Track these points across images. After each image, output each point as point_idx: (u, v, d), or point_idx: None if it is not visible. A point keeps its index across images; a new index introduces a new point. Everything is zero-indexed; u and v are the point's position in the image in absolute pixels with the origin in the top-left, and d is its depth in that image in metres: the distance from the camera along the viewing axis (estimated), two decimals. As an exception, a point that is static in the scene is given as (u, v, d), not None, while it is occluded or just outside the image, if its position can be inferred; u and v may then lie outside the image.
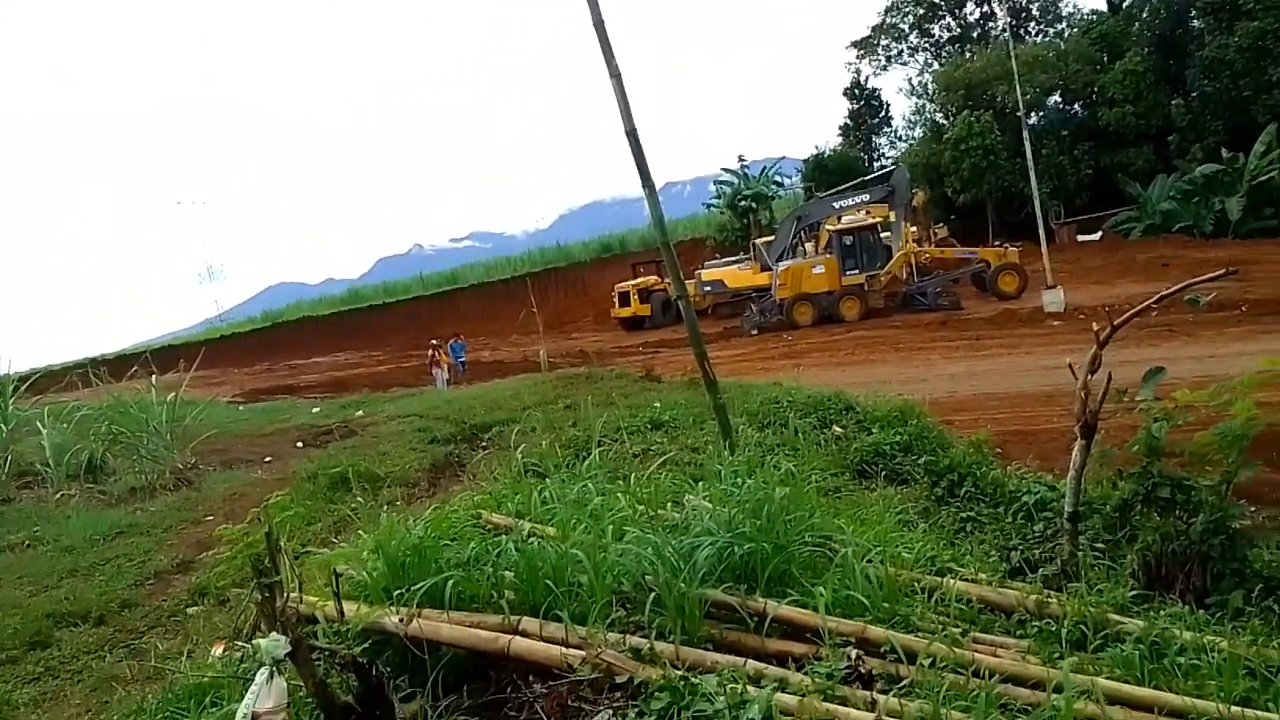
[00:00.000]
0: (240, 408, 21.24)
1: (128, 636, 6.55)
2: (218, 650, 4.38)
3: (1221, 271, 6.11)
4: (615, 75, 6.57)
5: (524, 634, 3.47)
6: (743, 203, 46.55)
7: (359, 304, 62.07)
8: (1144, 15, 42.89)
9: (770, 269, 33.43)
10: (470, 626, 3.52)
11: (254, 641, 3.19)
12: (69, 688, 5.84)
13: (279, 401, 23.28)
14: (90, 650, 6.34)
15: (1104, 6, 45.98)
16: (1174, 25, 40.40)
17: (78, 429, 12.78)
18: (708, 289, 37.27)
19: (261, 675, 3.01)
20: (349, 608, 3.57)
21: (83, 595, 7.29)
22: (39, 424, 12.43)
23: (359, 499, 6.94)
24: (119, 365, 20.15)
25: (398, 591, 3.68)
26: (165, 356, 32.54)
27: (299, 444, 13.66)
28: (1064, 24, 49.15)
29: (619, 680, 3.13)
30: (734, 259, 40.22)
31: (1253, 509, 7.15)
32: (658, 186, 7.01)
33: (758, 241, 38.51)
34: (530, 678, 3.36)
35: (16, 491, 11.55)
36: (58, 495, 11.09)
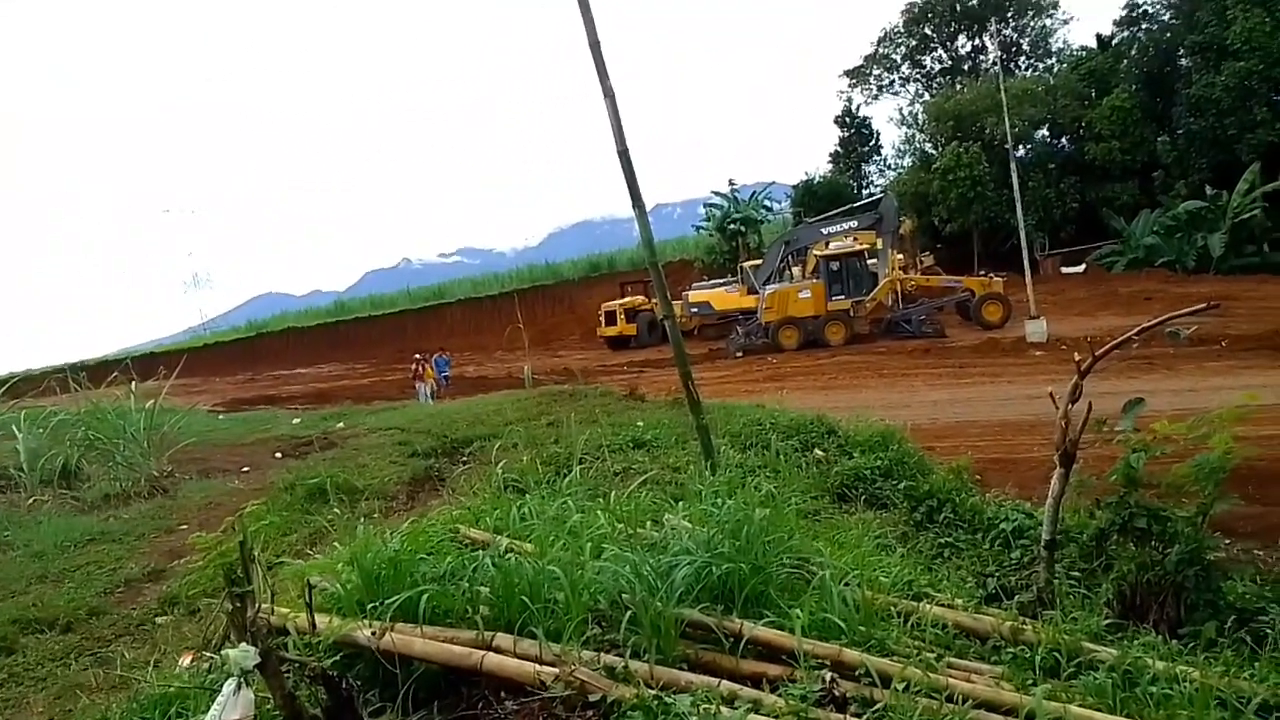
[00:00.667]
0: (220, 417, 21.05)
1: (95, 644, 6.43)
2: (186, 660, 4.33)
3: (1202, 306, 6.17)
4: (609, 95, 6.60)
5: (498, 650, 3.44)
6: (732, 226, 46.79)
7: (345, 316, 61.79)
8: (1133, 53, 43.65)
9: (757, 292, 33.58)
10: (444, 642, 3.49)
11: (223, 652, 3.15)
12: (32, 695, 5.74)
13: (260, 411, 23.12)
14: (56, 657, 6.23)
15: (1093, 43, 46.76)
16: (1162, 63, 41.09)
17: (53, 434, 12.63)
18: (694, 310, 37.37)
19: (229, 686, 2.97)
20: (321, 620, 3.53)
21: (50, 602, 7.17)
22: (14, 428, 12.28)
23: (336, 511, 6.88)
24: (100, 371, 19.94)
25: (371, 605, 3.64)
26: (147, 363, 32.26)
27: (278, 454, 13.55)
28: (1053, 59, 49.92)
29: (592, 699, 3.11)
30: (721, 281, 40.42)
31: (1227, 541, 7.22)
32: (648, 207, 7.03)
33: (745, 264, 38.75)
34: (502, 694, 3.33)
35: (-11, 496, 11.40)
36: (30, 500, 10.93)
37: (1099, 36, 46.43)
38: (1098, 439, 5.82)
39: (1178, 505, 5.50)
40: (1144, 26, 44.47)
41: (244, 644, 2.95)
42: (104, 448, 11.96)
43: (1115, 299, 31.46)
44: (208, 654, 3.86)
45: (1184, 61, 40.22)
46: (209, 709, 2.96)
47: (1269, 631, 4.70)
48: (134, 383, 13.63)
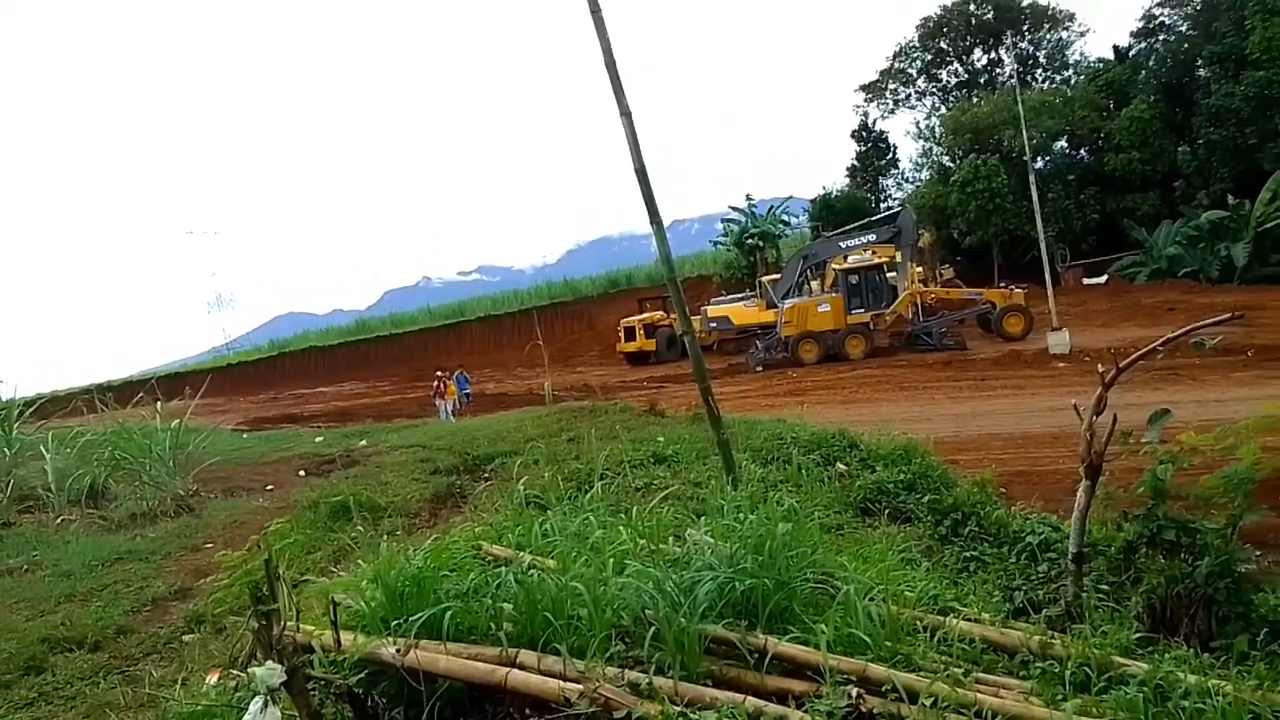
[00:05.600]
0: (244, 436, 21.21)
1: (123, 663, 6.49)
2: (213, 678, 4.35)
3: (1227, 316, 6.13)
4: (625, 114, 6.64)
5: (522, 667, 3.44)
6: (750, 241, 46.85)
7: (366, 335, 62.33)
8: (1150, 63, 43.44)
9: (776, 306, 33.52)
10: (468, 658, 3.50)
11: (249, 670, 3.17)
12: (62, 714, 5.78)
13: (283, 430, 23.28)
14: (85, 676, 6.28)
15: (1110, 55, 46.56)
16: (1180, 74, 40.84)
17: (81, 454, 12.78)
18: (713, 325, 37.34)
19: (256, 704, 2.99)
20: (346, 637, 3.55)
21: (79, 621, 7.24)
22: (42, 448, 12.43)
23: (359, 528, 6.92)
24: (125, 391, 20.18)
25: (395, 622, 3.66)
26: (172, 384, 32.65)
27: (301, 473, 13.64)
28: (1071, 71, 49.73)
29: (616, 715, 3.10)
30: (740, 296, 40.37)
31: (1258, 553, 7.08)
32: (666, 224, 7.05)
33: (764, 279, 38.69)
34: (527, 711, 3.34)
35: (17, 516, 11.51)
36: (58, 520, 11.06)
37: (1116, 48, 46.27)
38: (1124, 451, 5.75)
39: (1206, 517, 5.42)
40: (1161, 38, 44.24)
41: (270, 662, 2.97)
42: (130, 467, 12.08)
43: (1138, 310, 31.17)
44: (234, 672, 3.89)
45: (1202, 72, 39.94)
46: (236, 726, 2.98)
47: (1302, 644, 4.62)
48: (159, 403, 13.78)
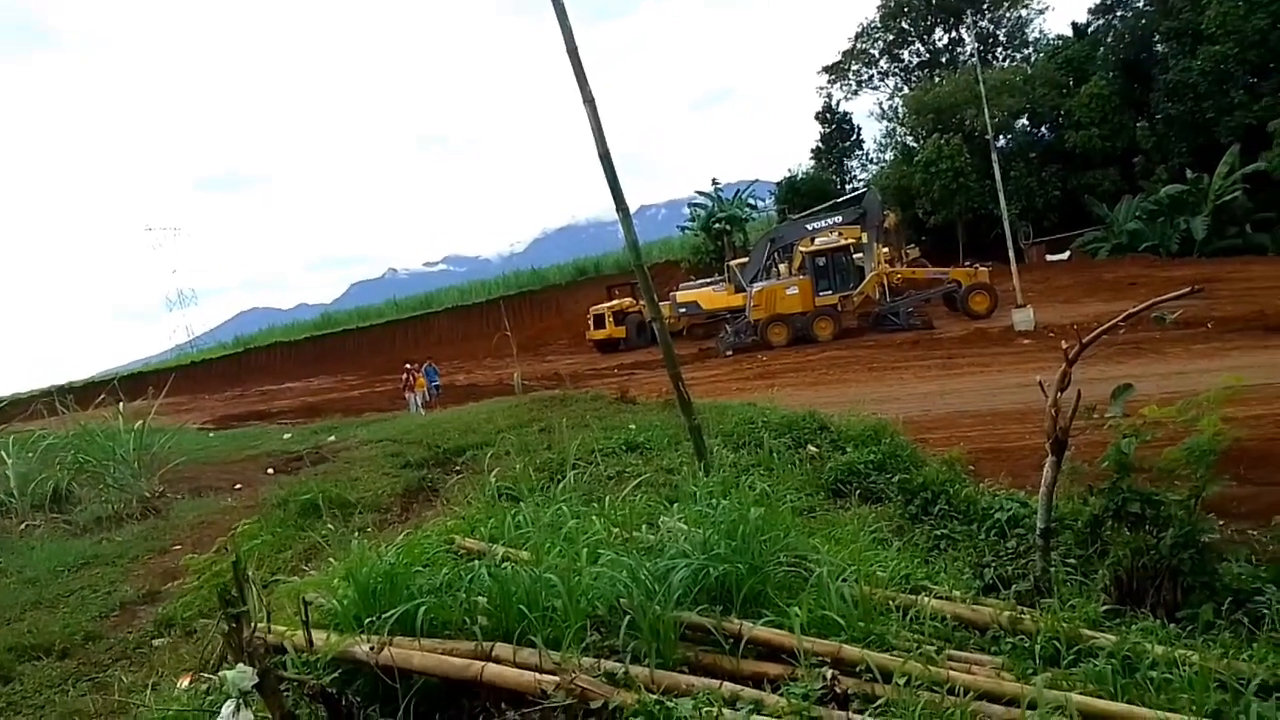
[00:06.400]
0: (210, 434, 20.95)
1: (92, 670, 6.39)
2: (184, 682, 4.29)
3: (1187, 290, 6.20)
4: (589, 101, 6.60)
5: (497, 660, 3.43)
6: (717, 225, 46.91)
7: (332, 329, 61.74)
8: (1108, 40, 43.95)
9: (744, 290, 33.62)
10: (442, 654, 3.48)
11: (221, 673, 3.13)
12: (31, 723, 5.70)
13: (250, 428, 23.03)
14: (53, 684, 6.18)
15: (1069, 32, 47.07)
16: (1138, 50, 41.36)
17: (43, 458, 12.54)
18: (683, 310, 37.36)
19: (228, 708, 2.96)
20: (318, 637, 3.51)
21: (46, 628, 7.11)
22: (3, 453, 12.19)
23: (330, 526, 6.84)
24: (87, 393, 19.82)
25: (368, 619, 3.62)
26: (134, 384, 32.11)
27: (270, 470, 13.49)
28: (1030, 49, 50.25)
29: (593, 706, 3.10)
30: (709, 280, 40.42)
31: (1221, 523, 7.21)
32: (632, 209, 7.02)
33: (732, 263, 38.77)
34: (503, 705, 3.32)
35: (-21, 523, 11.30)
36: (22, 525, 10.86)
37: (1075, 25, 46.88)
38: (1088, 426, 5.84)
39: (1170, 489, 5.51)
40: (1119, 14, 44.79)
41: (241, 664, 2.93)
42: (94, 470, 11.88)
43: (1100, 285, 31.62)
44: (206, 675, 3.83)
45: (1160, 47, 40.51)
46: (209, 731, 2.95)
47: (1266, 612, 4.72)
48: (121, 403, 13.53)
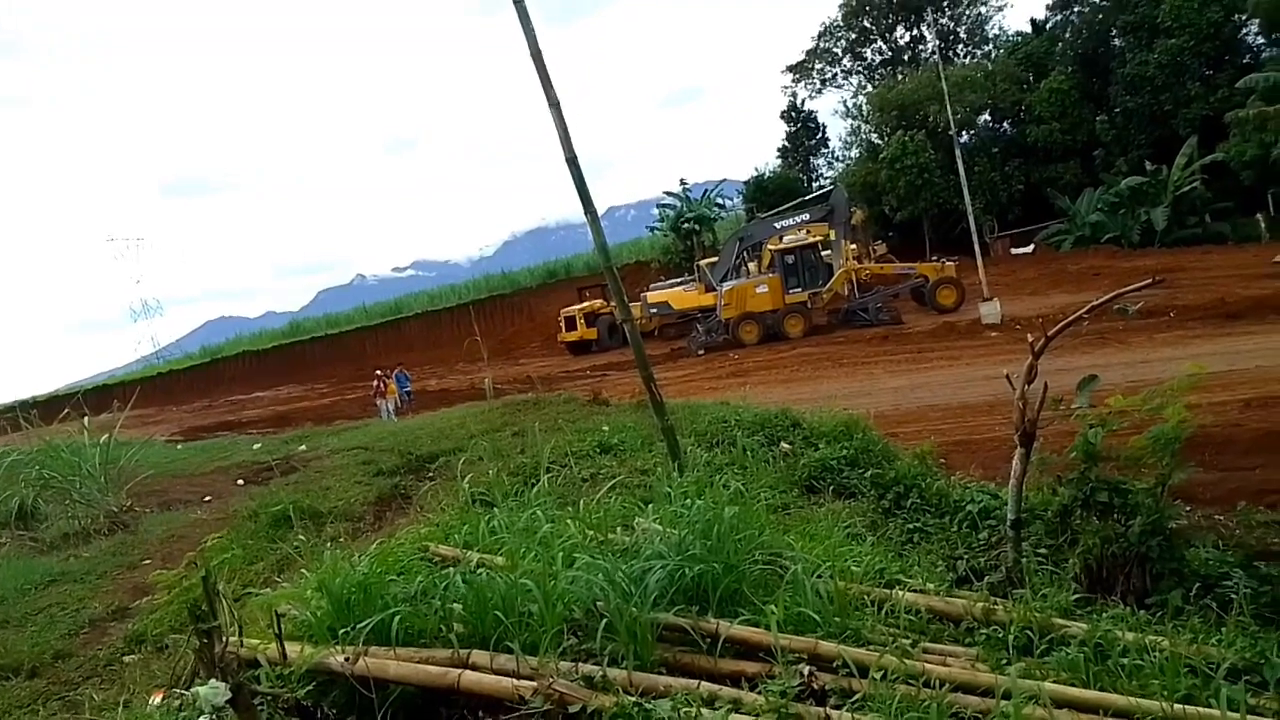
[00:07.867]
0: (179, 446, 20.62)
1: (62, 688, 6.28)
2: (156, 699, 4.22)
3: (1148, 280, 6.30)
4: (554, 105, 6.58)
5: (474, 667, 3.41)
6: (686, 225, 46.95)
7: (301, 336, 61.03)
8: (1067, 35, 44.60)
9: (715, 289, 33.70)
10: (419, 662, 3.46)
11: (193, 689, 3.09)
12: (-1, 746, 5.60)
13: (219, 439, 22.68)
14: (23, 704, 6.07)
15: (1029, 28, 47.70)
16: (1096, 44, 41.99)
17: (7, 474, 12.28)
18: (653, 311, 37.36)
19: (201, 724, 2.92)
20: (292, 649, 3.48)
21: (14, 647, 6.98)
22: (-35, 470, 11.94)
23: (301, 537, 6.77)
24: (51, 407, 19.46)
25: (343, 630, 3.59)
26: (100, 397, 31.63)
27: (240, 482, 13.31)
28: (991, 45, 50.88)
29: (572, 710, 3.10)
30: (679, 280, 40.44)
31: (1188, 509, 7.36)
32: (601, 210, 7.02)
33: (702, 263, 38.83)
34: (481, 712, 3.31)
35: (-58, 543, 11.06)
36: (-14, 544, 10.64)
37: (1034, 21, 47.49)
38: (1056, 417, 5.91)
39: (1137, 477, 5.60)
40: (1077, 9, 45.43)
41: (214, 680, 2.89)
42: (60, 485, 11.66)
43: (1065, 277, 32.03)
44: (178, 691, 3.78)
45: (1117, 41, 41.14)
46: (182, 748, 2.90)
47: (1234, 596, 4.81)
48: (86, 417, 13.31)
